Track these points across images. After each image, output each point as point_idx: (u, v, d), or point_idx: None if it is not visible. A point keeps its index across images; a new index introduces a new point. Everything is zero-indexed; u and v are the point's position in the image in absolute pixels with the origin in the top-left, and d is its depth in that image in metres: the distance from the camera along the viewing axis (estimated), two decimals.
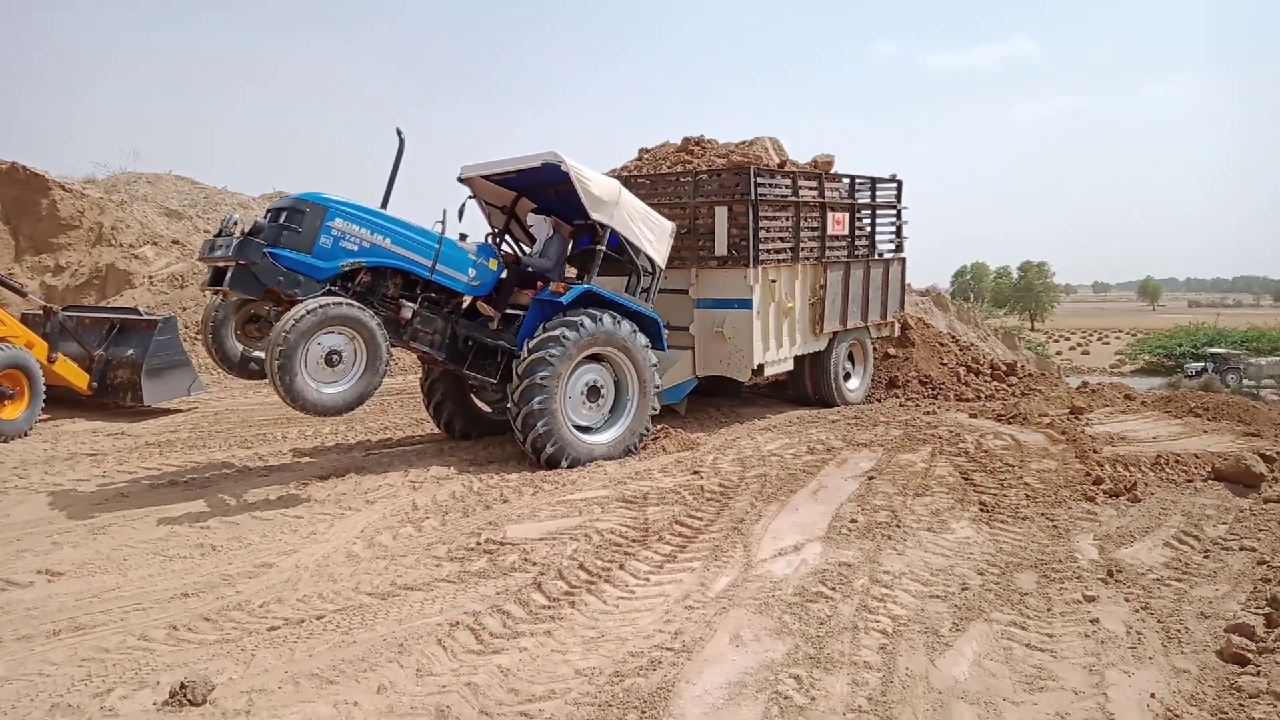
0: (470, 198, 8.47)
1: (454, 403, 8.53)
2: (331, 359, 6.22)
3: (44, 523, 5.82)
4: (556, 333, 7.11)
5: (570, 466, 7.17)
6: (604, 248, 7.84)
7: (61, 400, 9.79)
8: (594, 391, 7.58)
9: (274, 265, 6.34)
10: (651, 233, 8.18)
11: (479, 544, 5.20)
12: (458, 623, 4.06)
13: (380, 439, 8.72)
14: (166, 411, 10.12)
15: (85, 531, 5.61)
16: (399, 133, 7.20)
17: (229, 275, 6.40)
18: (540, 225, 8.28)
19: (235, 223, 6.53)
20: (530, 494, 6.40)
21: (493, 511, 5.96)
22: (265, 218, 6.72)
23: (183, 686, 3.31)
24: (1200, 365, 38.39)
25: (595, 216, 7.61)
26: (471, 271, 7.51)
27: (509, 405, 7.23)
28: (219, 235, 6.57)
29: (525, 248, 8.92)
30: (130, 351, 9.85)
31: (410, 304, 7.15)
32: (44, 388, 8.91)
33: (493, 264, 7.70)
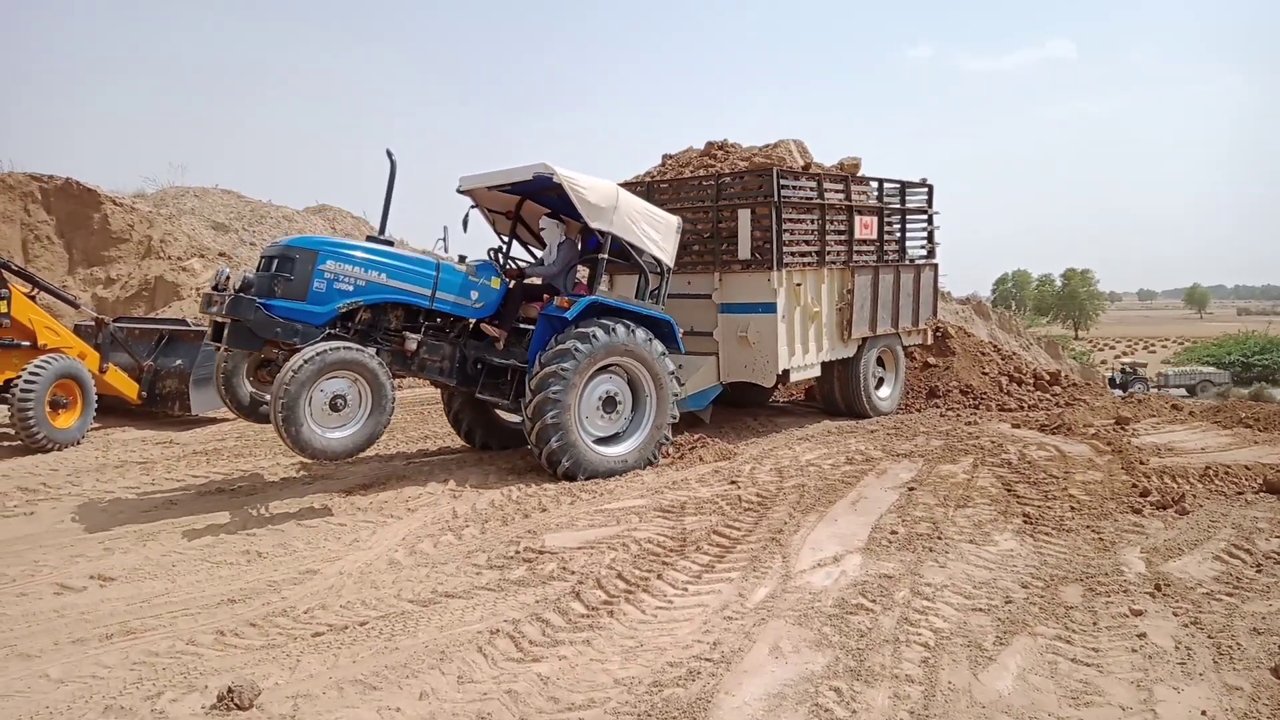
0: (473, 208, 8.44)
1: (473, 414, 8.50)
2: (336, 404, 6.20)
3: (96, 529, 5.97)
4: (568, 345, 7.05)
5: (588, 479, 7.12)
6: (606, 255, 7.70)
7: (112, 409, 10.04)
8: (610, 403, 7.50)
9: (269, 318, 6.35)
10: (656, 232, 8.02)
11: (518, 552, 5.23)
12: (498, 630, 4.09)
13: (420, 448, 8.82)
14: (213, 420, 10.32)
15: (135, 538, 5.74)
16: (389, 155, 7.15)
17: (226, 333, 6.45)
18: (551, 229, 8.14)
19: (227, 277, 6.59)
20: (568, 503, 6.43)
21: (531, 520, 6.00)
22: (259, 266, 6.77)
23: (230, 691, 3.38)
24: (1116, 376, 37.18)
25: (594, 225, 7.49)
26: (474, 294, 7.42)
27: (523, 420, 7.20)
28: (215, 288, 6.63)
29: (536, 252, 8.84)
30: (178, 362, 10.07)
31: (414, 335, 7.12)
32: (95, 397, 9.14)
33: (495, 282, 7.56)
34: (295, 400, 5.91)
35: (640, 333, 7.50)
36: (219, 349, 6.77)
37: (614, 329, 7.29)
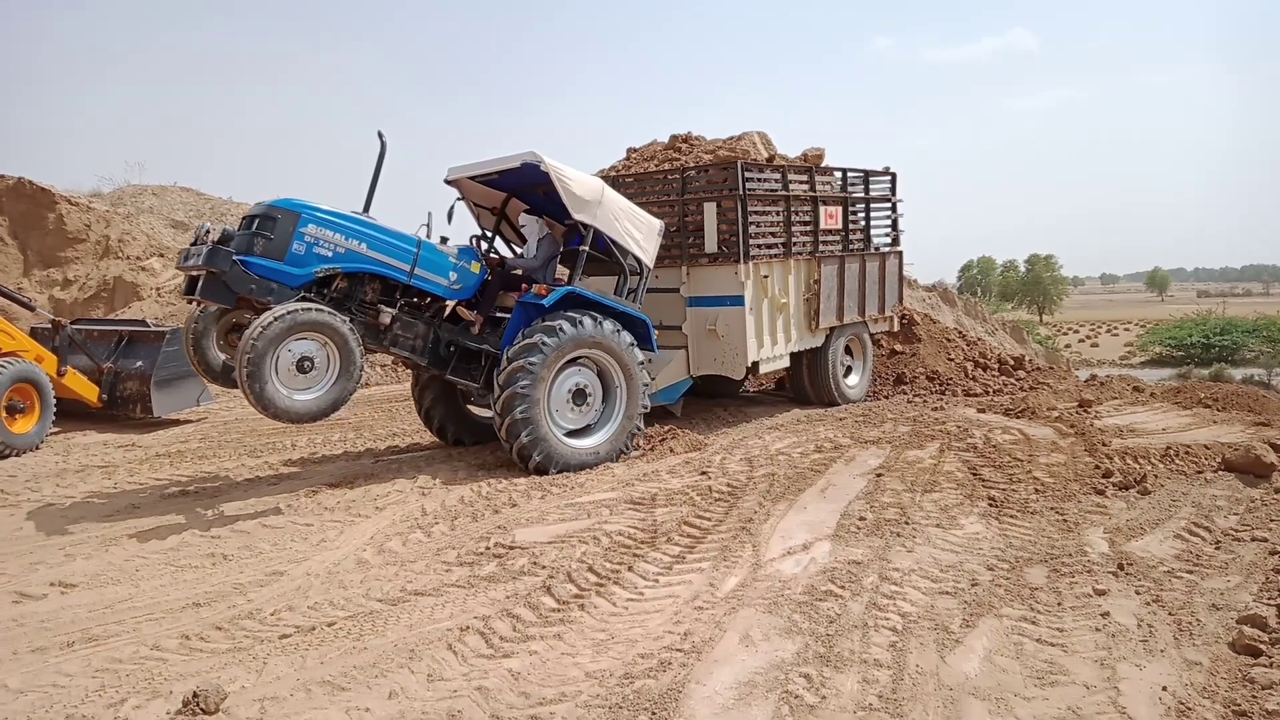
0: (459, 199, 8.42)
1: (445, 408, 8.47)
2: (303, 365, 6.15)
3: (56, 535, 5.86)
4: (535, 339, 7.04)
5: (559, 472, 7.11)
6: (588, 248, 7.74)
7: (72, 413, 9.85)
8: (580, 395, 7.50)
9: (245, 273, 6.30)
10: (638, 231, 8.07)
11: (488, 548, 5.21)
12: (468, 627, 4.07)
13: (388, 445, 8.75)
14: (176, 422, 10.17)
15: (97, 543, 5.64)
16: (380, 135, 7.15)
17: (200, 284, 6.38)
18: (531, 225, 8.18)
19: (207, 231, 6.49)
20: (539, 497, 6.41)
21: (501, 516, 5.98)
22: (241, 224, 6.70)
23: (195, 695, 3.33)
24: None
25: (577, 216, 7.51)
26: (452, 275, 7.43)
27: (493, 414, 7.18)
28: (194, 244, 6.55)
29: (517, 249, 8.85)
30: (139, 363, 9.90)
31: (389, 309, 7.11)
32: (54, 401, 8.97)
33: (474, 266, 7.61)
34: (262, 356, 5.85)
35: (608, 324, 7.49)
36: (190, 301, 6.69)
37: (581, 321, 7.27)
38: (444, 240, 7.58)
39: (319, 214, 6.70)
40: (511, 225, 8.89)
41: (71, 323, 10.21)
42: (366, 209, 7.21)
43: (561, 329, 7.13)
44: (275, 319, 5.91)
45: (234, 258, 6.28)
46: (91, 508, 6.53)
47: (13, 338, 9.06)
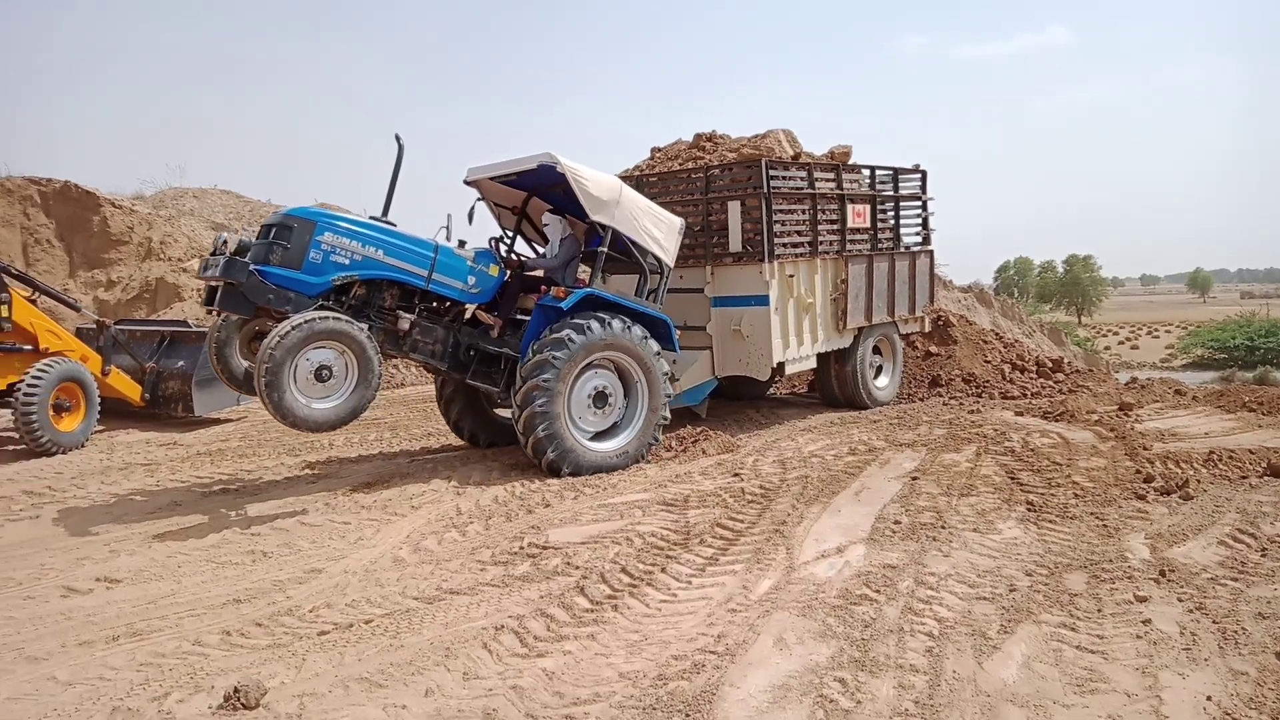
0: (479, 200, 8.42)
1: (472, 417, 8.49)
2: (321, 374, 6.17)
3: (102, 531, 5.99)
4: (562, 335, 7.03)
5: (573, 474, 7.08)
6: (606, 249, 7.67)
7: (115, 412, 10.05)
8: (601, 397, 7.46)
9: (262, 283, 6.35)
10: (658, 230, 8.02)
11: (522, 548, 5.24)
12: (502, 626, 4.10)
13: (423, 446, 8.83)
14: (216, 421, 10.35)
15: (141, 539, 5.76)
16: (398, 139, 7.16)
17: (219, 295, 6.45)
18: (555, 225, 8.15)
19: (224, 241, 6.57)
20: (572, 498, 6.43)
21: (535, 516, 6.01)
22: (259, 234, 6.76)
23: (236, 690, 3.39)
24: None
25: (595, 217, 7.47)
26: (470, 279, 7.42)
27: (512, 410, 7.18)
28: (212, 254, 6.61)
29: (539, 248, 8.85)
30: (180, 363, 10.08)
31: (408, 315, 7.14)
32: (99, 400, 9.16)
33: (493, 270, 7.59)
34: (280, 366, 5.88)
35: (637, 330, 7.46)
36: (210, 312, 6.76)
37: (609, 323, 7.26)
38: (461, 244, 7.56)
39: (335, 222, 6.75)
40: (533, 224, 8.86)
41: (115, 323, 10.41)
42: (385, 212, 7.26)
43: (590, 328, 7.12)
44: (293, 328, 5.95)
45: (251, 268, 6.34)
46: (135, 505, 6.66)
47: (59, 338, 9.26)
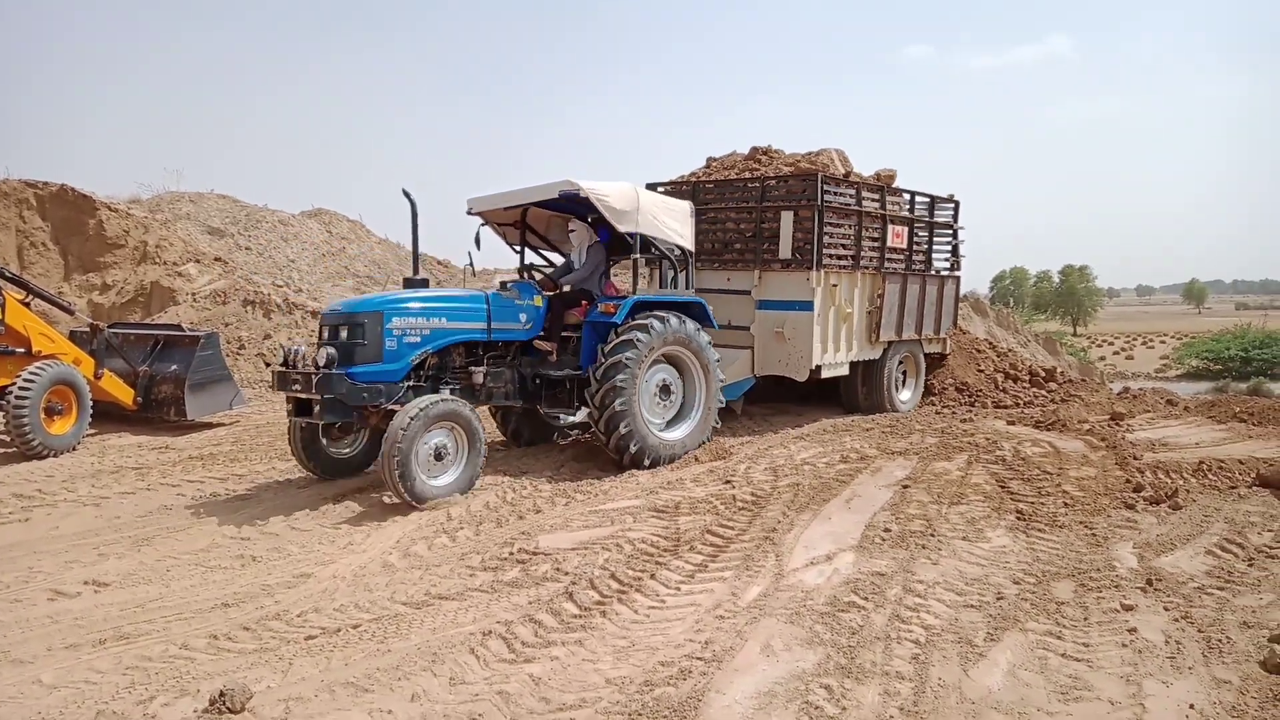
0: (483, 225, 8.56)
1: (521, 412, 8.63)
2: (440, 454, 6.53)
3: (91, 534, 5.97)
4: (630, 336, 7.34)
5: (652, 465, 7.47)
6: (638, 254, 8.07)
7: (108, 415, 10.02)
8: (665, 390, 7.83)
9: (355, 386, 6.59)
10: (675, 221, 8.35)
11: (512, 554, 5.24)
12: (490, 632, 4.10)
13: None
14: (209, 425, 10.32)
15: (130, 543, 5.75)
16: (408, 195, 7.24)
17: (319, 409, 6.60)
18: (581, 233, 8.40)
19: (300, 354, 6.77)
20: (563, 504, 6.44)
21: (526, 522, 6.01)
22: (324, 335, 6.92)
23: (222, 694, 3.38)
24: None
25: (622, 229, 7.80)
26: (522, 317, 7.73)
27: (590, 412, 7.43)
28: (286, 365, 6.81)
29: (550, 256, 9.10)
30: (174, 367, 10.06)
31: (479, 369, 7.41)
32: (91, 403, 9.13)
33: (537, 300, 7.89)
34: (408, 456, 6.20)
35: (691, 324, 7.88)
36: (307, 424, 6.97)
37: (668, 319, 7.62)
38: (504, 285, 7.90)
39: (399, 305, 6.95)
40: (535, 231, 9.08)
41: (109, 326, 10.39)
42: (415, 272, 7.45)
43: (653, 326, 7.48)
44: (411, 419, 6.22)
45: (345, 377, 6.54)
46: (125, 508, 6.64)
47: (52, 340, 9.24)
